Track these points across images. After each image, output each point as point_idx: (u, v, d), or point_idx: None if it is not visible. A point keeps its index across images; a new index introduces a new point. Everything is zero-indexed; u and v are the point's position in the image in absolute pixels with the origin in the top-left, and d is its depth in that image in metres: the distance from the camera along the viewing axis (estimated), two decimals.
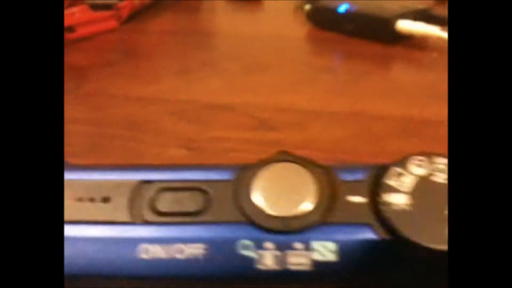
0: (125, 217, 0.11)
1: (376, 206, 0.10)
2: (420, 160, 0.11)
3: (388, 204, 0.10)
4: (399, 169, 0.10)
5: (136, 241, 0.10)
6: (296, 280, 0.10)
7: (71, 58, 0.41)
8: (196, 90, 0.34)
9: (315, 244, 0.10)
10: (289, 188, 0.10)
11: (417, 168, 0.11)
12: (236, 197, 0.10)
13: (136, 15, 0.52)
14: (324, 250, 0.10)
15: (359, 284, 0.10)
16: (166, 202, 0.11)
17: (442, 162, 0.11)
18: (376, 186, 0.10)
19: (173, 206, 0.11)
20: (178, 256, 0.10)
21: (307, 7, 0.48)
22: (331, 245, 0.10)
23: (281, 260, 0.09)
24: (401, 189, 0.10)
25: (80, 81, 0.37)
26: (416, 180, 0.10)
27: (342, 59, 0.41)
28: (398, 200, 0.10)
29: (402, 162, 0.11)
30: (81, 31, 0.46)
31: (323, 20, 0.46)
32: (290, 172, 0.11)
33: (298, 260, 0.09)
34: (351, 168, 0.11)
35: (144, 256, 0.10)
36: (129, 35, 0.48)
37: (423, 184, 0.10)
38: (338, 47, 0.42)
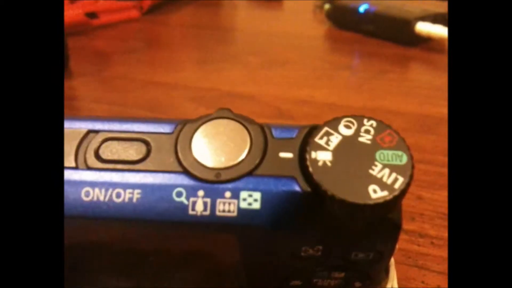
0: (71, 163, 0.11)
1: (302, 162, 0.11)
2: (350, 122, 0.11)
3: (313, 160, 0.10)
4: (327, 129, 0.11)
5: (80, 185, 0.11)
6: (223, 225, 0.10)
7: (95, 43, 0.42)
8: (216, 79, 0.35)
9: (243, 193, 0.10)
10: (224, 142, 0.11)
11: (345, 129, 0.11)
12: (175, 149, 0.11)
13: (157, 7, 0.53)
14: (250, 199, 0.10)
15: (281, 231, 0.11)
16: (109, 151, 0.12)
17: (369, 124, 0.11)
18: (305, 144, 0.11)
19: (116, 154, 0.12)
20: (116, 199, 0.11)
21: (327, 6, 0.49)
22: (257, 195, 0.10)
23: (211, 207, 0.10)
24: (327, 147, 0.11)
25: (103, 65, 0.37)
26: (342, 139, 0.11)
27: (360, 58, 0.41)
28: (322, 157, 0.10)
29: (331, 123, 0.11)
30: (104, 18, 0.47)
31: (343, 20, 0.47)
32: (227, 128, 0.12)
33: (226, 207, 0.10)
34: (286, 127, 0.12)
35: (85, 198, 0.11)
36: (151, 25, 0.49)
37: (349, 144, 0.11)
38: (356, 46, 0.43)
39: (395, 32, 0.42)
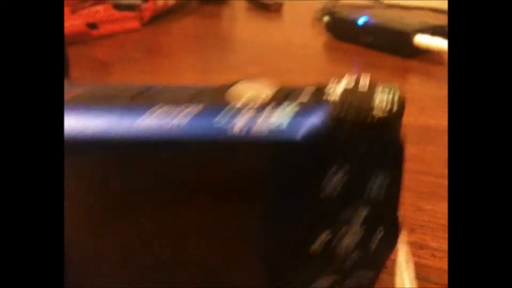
0: (127, 101, 0.13)
1: (319, 97, 0.13)
2: (350, 79, 0.13)
3: (328, 98, 0.12)
4: (333, 84, 0.13)
5: (134, 115, 0.12)
6: (258, 143, 0.12)
7: (95, 52, 0.43)
8: None
9: (273, 116, 0.12)
10: (256, 89, 0.13)
11: (347, 83, 0.13)
12: (216, 92, 0.13)
13: (158, 18, 0.54)
14: (281, 119, 0.12)
15: (309, 145, 0.12)
16: (160, 97, 0.13)
17: (364, 79, 0.13)
18: (318, 90, 0.13)
19: (166, 99, 0.13)
20: (165, 126, 0.12)
21: (326, 18, 0.49)
22: (286, 117, 0.12)
23: (247, 129, 0.12)
24: (336, 91, 0.13)
25: (103, 74, 0.38)
26: (345, 88, 0.13)
27: (359, 69, 0.42)
28: (333, 97, 0.12)
29: (335, 80, 0.13)
30: (104, 29, 0.47)
31: (342, 32, 0.47)
32: (256, 84, 0.14)
33: (260, 128, 0.12)
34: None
35: (138, 126, 0.12)
36: (151, 36, 0.49)
37: (352, 90, 0.13)
38: (356, 57, 0.43)
39: (394, 44, 0.42)
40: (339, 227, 0.14)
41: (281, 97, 0.13)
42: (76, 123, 0.12)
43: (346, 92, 0.13)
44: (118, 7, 0.50)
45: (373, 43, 0.44)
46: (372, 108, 0.12)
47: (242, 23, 0.61)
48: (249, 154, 0.12)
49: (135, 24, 0.50)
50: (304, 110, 0.12)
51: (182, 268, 0.14)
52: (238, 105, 0.12)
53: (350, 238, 0.14)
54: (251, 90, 0.13)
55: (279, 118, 0.12)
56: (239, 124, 0.12)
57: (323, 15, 0.51)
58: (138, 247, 0.14)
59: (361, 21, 0.45)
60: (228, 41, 0.52)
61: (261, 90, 0.13)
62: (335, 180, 0.13)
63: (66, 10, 0.45)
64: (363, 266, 0.15)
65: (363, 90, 0.13)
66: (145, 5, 0.51)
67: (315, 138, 0.12)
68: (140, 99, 0.13)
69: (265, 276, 0.14)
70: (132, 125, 0.12)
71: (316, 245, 0.14)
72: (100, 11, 0.48)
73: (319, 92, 0.13)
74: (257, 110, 0.12)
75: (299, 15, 0.60)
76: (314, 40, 0.49)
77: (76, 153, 0.12)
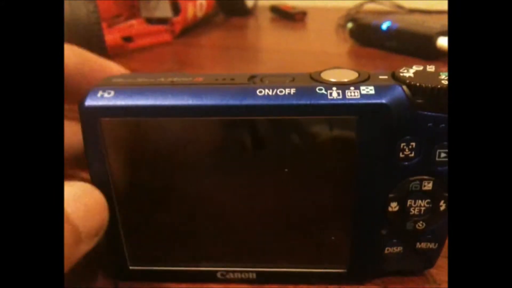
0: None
1: (395, 77, 0.16)
2: (418, 66, 0.16)
3: (402, 76, 0.15)
4: (404, 68, 0.16)
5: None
6: (351, 105, 0.15)
7: (132, 65, 0.45)
8: None
9: (362, 87, 0.15)
10: (343, 74, 0.16)
11: (416, 67, 0.16)
12: (312, 77, 0.16)
13: (188, 31, 0.56)
14: (367, 89, 0.15)
15: (392, 111, 0.15)
16: (267, 80, 0.16)
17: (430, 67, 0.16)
18: (394, 72, 0.16)
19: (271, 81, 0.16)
20: (280, 94, 0.15)
21: (350, 25, 0.51)
22: (371, 87, 0.15)
23: (342, 94, 0.15)
24: (409, 71, 0.16)
25: None
26: (416, 70, 0.16)
27: None
28: (407, 75, 0.16)
29: (405, 67, 0.16)
30: (138, 42, 0.50)
31: (366, 38, 0.49)
32: (345, 70, 0.16)
33: (352, 94, 0.15)
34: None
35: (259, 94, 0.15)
36: (182, 47, 0.52)
37: (420, 70, 0.16)
38: (380, 62, 0.44)
39: (417, 47, 0.43)
40: (411, 193, 0.16)
41: (365, 77, 0.16)
42: (206, 96, 0.15)
43: (418, 72, 0.16)
44: (150, 21, 0.53)
45: (396, 48, 0.45)
46: (440, 80, 0.15)
47: (267, 33, 0.63)
48: (345, 114, 0.15)
49: (167, 37, 0.53)
50: (387, 83, 0.15)
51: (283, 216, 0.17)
52: (332, 80, 0.15)
53: (420, 204, 0.16)
54: (340, 73, 0.16)
55: (367, 88, 0.15)
56: (336, 91, 0.15)
57: (347, 22, 0.52)
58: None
59: (384, 26, 0.46)
60: (254, 51, 0.54)
61: (347, 73, 0.16)
62: (409, 145, 0.15)
63: (104, 25, 0.48)
64: (429, 234, 0.17)
65: (431, 71, 0.16)
66: (175, 19, 0.53)
67: (396, 103, 0.15)
68: (255, 80, 0.16)
69: (352, 231, 0.17)
70: (254, 94, 0.15)
71: (395, 204, 0.16)
72: (135, 25, 0.51)
73: (395, 74, 0.16)
74: (349, 84, 0.15)
75: (323, 23, 0.61)
76: (339, 46, 0.51)
77: (206, 116, 0.15)
